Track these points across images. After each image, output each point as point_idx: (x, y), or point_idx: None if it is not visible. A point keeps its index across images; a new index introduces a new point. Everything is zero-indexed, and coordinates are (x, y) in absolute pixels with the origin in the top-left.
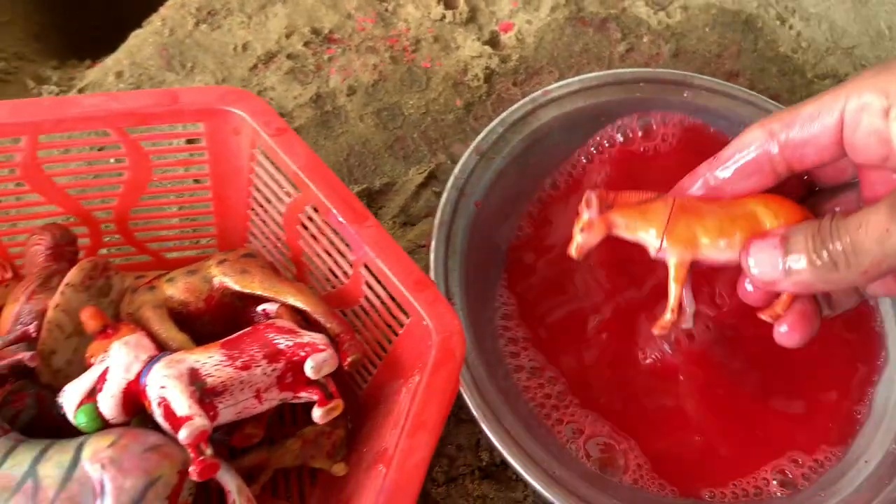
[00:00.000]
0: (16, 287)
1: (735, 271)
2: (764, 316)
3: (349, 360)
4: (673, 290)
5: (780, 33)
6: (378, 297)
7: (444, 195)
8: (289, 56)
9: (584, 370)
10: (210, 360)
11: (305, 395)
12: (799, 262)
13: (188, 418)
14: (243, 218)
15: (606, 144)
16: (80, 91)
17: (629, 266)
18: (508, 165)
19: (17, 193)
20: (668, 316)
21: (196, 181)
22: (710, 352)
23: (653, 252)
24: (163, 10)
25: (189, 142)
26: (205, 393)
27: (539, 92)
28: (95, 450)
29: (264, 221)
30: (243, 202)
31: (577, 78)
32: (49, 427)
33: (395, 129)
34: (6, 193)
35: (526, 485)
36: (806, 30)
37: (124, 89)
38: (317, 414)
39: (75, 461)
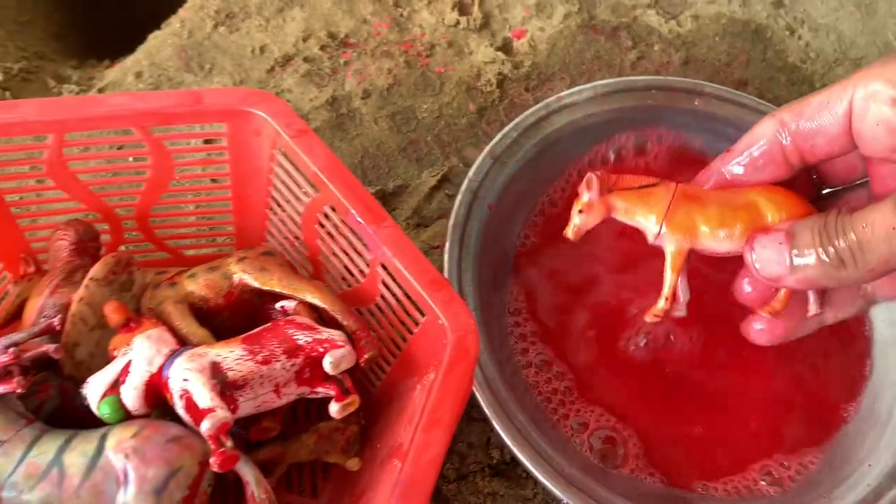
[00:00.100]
0: (40, 281)
1: (729, 271)
2: (763, 312)
3: (366, 356)
4: (668, 277)
5: (788, 43)
6: (394, 295)
7: (459, 198)
8: (305, 59)
9: (589, 365)
10: (231, 355)
11: (322, 391)
12: (805, 258)
13: (210, 410)
14: (261, 217)
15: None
16: (101, 90)
17: (637, 261)
18: (521, 169)
19: (39, 190)
20: (661, 304)
21: (215, 180)
22: (706, 347)
23: (651, 238)
24: (182, 12)
25: (206, 142)
26: (226, 386)
27: (553, 98)
28: (119, 440)
29: (282, 221)
30: (262, 201)
31: (589, 85)
32: (71, 418)
33: (409, 133)
34: (29, 189)
35: (535, 482)
36: (815, 40)
37: (143, 89)
38: (334, 409)
39: (99, 450)
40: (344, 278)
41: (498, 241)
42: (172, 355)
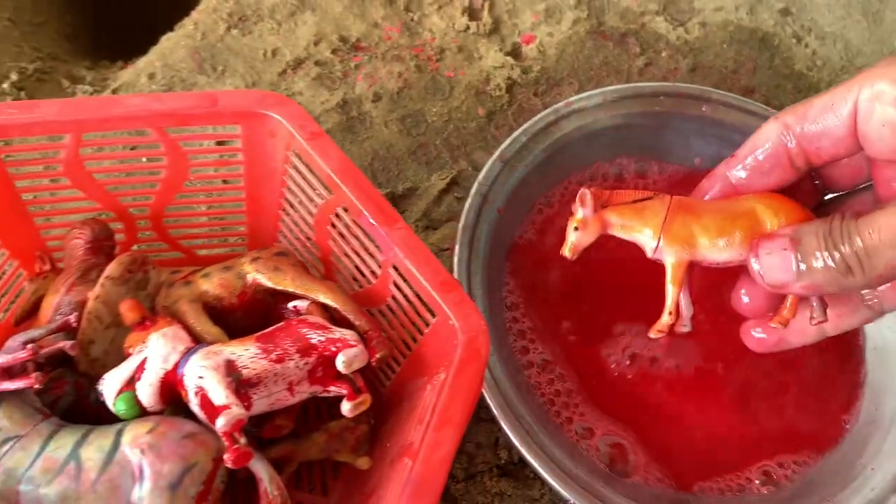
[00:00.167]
0: (56, 279)
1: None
2: (772, 324)
3: (377, 356)
4: (670, 291)
5: (795, 51)
6: (405, 296)
7: (468, 201)
8: (317, 62)
9: (591, 370)
10: (246, 353)
11: (335, 389)
12: (812, 263)
13: (225, 407)
14: (274, 218)
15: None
16: (115, 91)
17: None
18: (530, 174)
19: (55, 189)
20: (665, 318)
21: (228, 181)
22: (705, 353)
23: (649, 252)
24: (195, 15)
25: (219, 143)
26: (240, 384)
27: (562, 103)
28: (135, 435)
29: (295, 222)
30: (275, 202)
31: (598, 90)
32: (85, 414)
33: (419, 136)
34: (44, 189)
35: (543, 483)
36: (821, 48)
37: (157, 90)
38: (346, 407)
39: (115, 446)
40: (355, 279)
41: (506, 245)
42: (188, 353)
